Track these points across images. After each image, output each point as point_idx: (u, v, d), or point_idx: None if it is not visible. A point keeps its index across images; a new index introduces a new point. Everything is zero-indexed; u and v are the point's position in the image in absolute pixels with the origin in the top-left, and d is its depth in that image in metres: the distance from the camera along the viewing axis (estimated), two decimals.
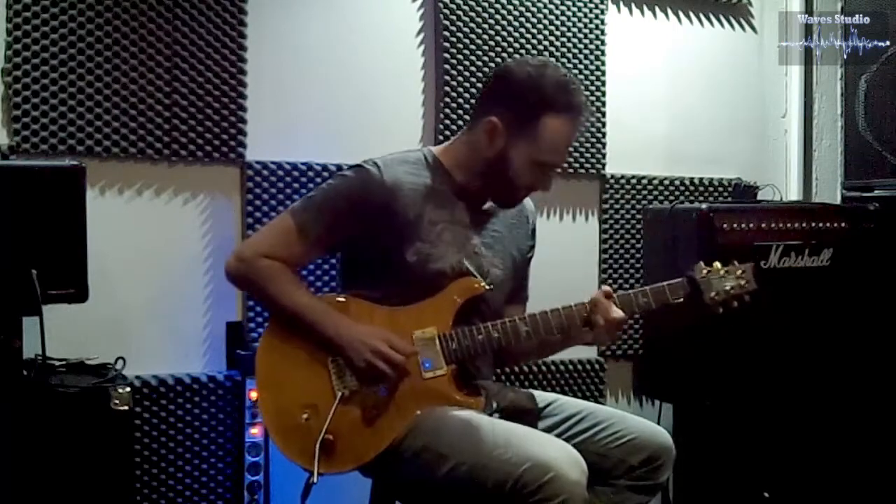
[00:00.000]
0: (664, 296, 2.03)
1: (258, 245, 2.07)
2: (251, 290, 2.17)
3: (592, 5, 3.24)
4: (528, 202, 2.25)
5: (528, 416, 2.02)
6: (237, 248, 2.13)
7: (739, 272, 2.07)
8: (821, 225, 2.93)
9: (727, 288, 2.05)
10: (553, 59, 3.11)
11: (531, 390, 2.15)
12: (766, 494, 2.90)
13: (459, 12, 3.01)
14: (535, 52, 3.13)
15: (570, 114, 2.01)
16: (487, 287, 2.03)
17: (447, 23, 3.00)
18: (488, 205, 2.13)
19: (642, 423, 2.04)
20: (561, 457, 1.76)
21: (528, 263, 2.27)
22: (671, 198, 3.37)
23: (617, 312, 1.98)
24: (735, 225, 2.81)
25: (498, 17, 3.08)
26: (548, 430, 2.03)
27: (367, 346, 1.94)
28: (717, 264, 2.07)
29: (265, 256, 2.03)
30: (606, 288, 2.04)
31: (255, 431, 2.61)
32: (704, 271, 2.05)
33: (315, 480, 1.89)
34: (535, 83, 1.99)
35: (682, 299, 2.03)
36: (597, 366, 3.27)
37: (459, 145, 2.12)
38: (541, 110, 1.98)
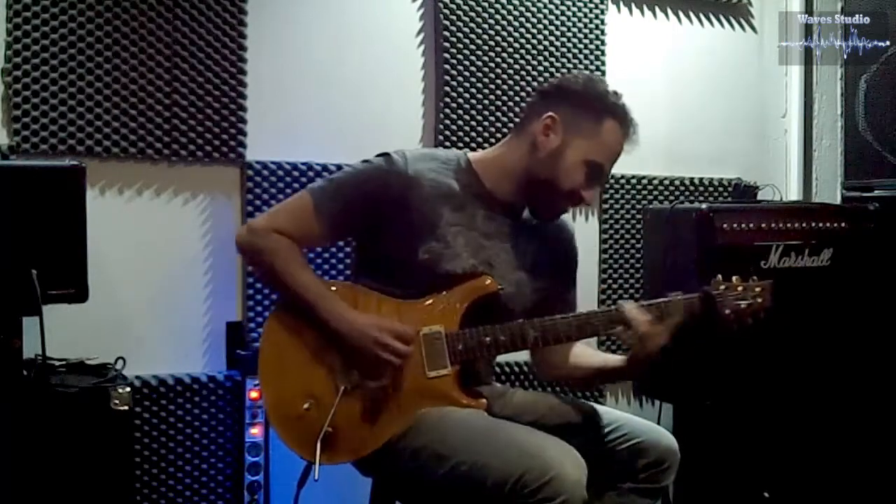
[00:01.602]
0: (679, 310, 1.98)
1: (272, 220, 2.04)
2: (257, 262, 2.12)
3: (592, 5, 3.24)
4: (566, 226, 2.19)
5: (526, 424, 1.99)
6: (251, 220, 2.11)
7: (758, 289, 2.01)
8: (821, 225, 2.93)
9: (744, 306, 1.99)
10: (553, 59, 3.13)
11: (531, 392, 2.14)
12: (766, 494, 2.90)
13: (459, 12, 3.01)
14: (534, 52, 3.13)
15: (625, 125, 2.01)
16: (500, 287, 2.01)
17: (447, 23, 3.00)
18: (518, 221, 2.09)
19: (647, 426, 2.03)
20: (561, 457, 1.76)
21: (568, 284, 2.20)
22: (671, 198, 3.37)
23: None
24: (735, 225, 2.81)
25: (498, 17, 3.08)
26: (551, 432, 2.01)
27: (371, 338, 1.92)
28: (736, 279, 2.01)
29: (277, 231, 2.00)
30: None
31: (255, 431, 2.61)
32: (722, 287, 2.00)
33: (317, 477, 1.88)
34: (596, 89, 2.02)
35: (696, 314, 1.98)
36: None
37: (500, 152, 2.09)
38: (604, 112, 1.99)
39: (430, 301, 1.99)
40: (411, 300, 2.00)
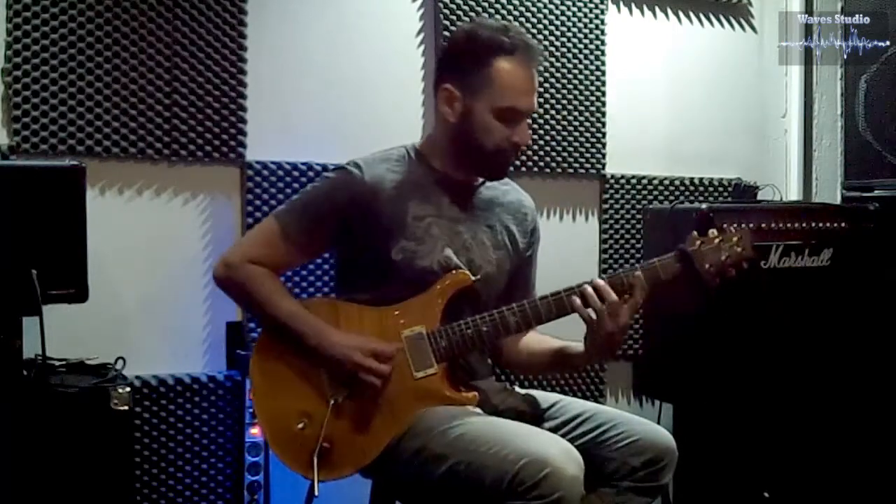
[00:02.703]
0: (657, 273, 1.95)
1: (244, 250, 2.08)
2: (237, 295, 2.15)
3: (592, 5, 3.24)
4: (527, 200, 2.23)
5: (530, 419, 1.99)
6: (224, 253, 2.13)
7: (735, 239, 1.97)
8: (821, 225, 2.93)
9: (723, 258, 1.96)
10: (553, 59, 3.12)
11: (532, 392, 2.15)
12: (766, 494, 2.90)
13: (459, 12, 3.01)
14: None
15: (516, 53, 1.98)
16: (473, 278, 2.02)
17: (447, 23, 2.99)
18: (480, 196, 2.12)
19: (645, 425, 2.02)
20: (557, 453, 1.75)
21: (530, 263, 2.24)
22: (671, 198, 3.37)
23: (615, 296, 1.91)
24: (735, 225, 2.80)
25: (498, 17, 3.07)
26: (551, 431, 2.01)
27: (349, 360, 1.93)
28: (713, 232, 1.97)
29: (251, 261, 2.03)
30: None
31: (255, 431, 2.60)
32: (698, 242, 1.96)
33: (317, 493, 1.88)
34: (472, 35, 2.01)
35: (676, 275, 1.95)
36: (597, 366, 3.27)
37: (434, 132, 2.13)
38: (486, 57, 1.97)
39: (409, 303, 2.00)
40: (391, 306, 2.01)
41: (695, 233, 1.99)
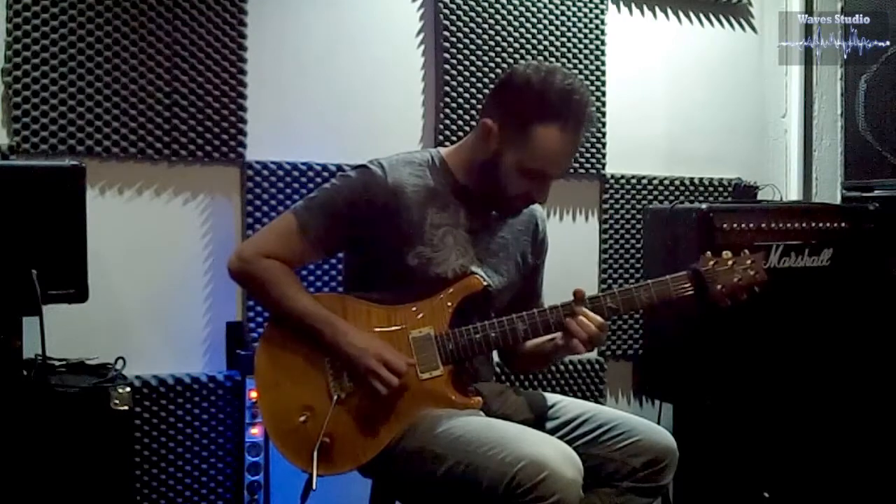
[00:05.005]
0: (668, 290, 1.97)
1: (260, 244, 2.07)
2: (252, 289, 2.17)
3: (592, 5, 3.24)
4: (539, 211, 2.22)
5: (530, 422, 1.99)
6: (239, 246, 2.12)
7: (749, 262, 1.99)
8: (821, 225, 2.93)
9: (735, 280, 1.97)
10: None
11: (531, 392, 2.14)
12: (766, 494, 2.90)
13: (459, 12, 3.01)
14: (534, 52, 3.13)
15: (566, 124, 1.93)
16: (484, 283, 2.02)
17: (447, 23, 3.00)
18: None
19: (646, 425, 2.03)
20: (556, 455, 1.76)
21: (538, 271, 2.24)
22: (671, 198, 3.37)
23: (592, 320, 1.94)
24: (735, 225, 2.81)
25: (498, 17, 3.08)
26: (552, 431, 2.02)
27: (362, 363, 1.93)
28: (727, 254, 1.98)
29: (267, 256, 2.02)
30: (578, 290, 1.97)
31: (255, 431, 2.60)
32: (711, 263, 1.98)
33: (315, 487, 1.88)
34: (533, 90, 1.93)
35: (687, 293, 1.97)
36: (597, 366, 3.27)
37: (464, 147, 2.11)
38: (532, 118, 1.92)
39: (418, 304, 2.00)
40: (400, 305, 2.01)
41: (708, 253, 2.00)
